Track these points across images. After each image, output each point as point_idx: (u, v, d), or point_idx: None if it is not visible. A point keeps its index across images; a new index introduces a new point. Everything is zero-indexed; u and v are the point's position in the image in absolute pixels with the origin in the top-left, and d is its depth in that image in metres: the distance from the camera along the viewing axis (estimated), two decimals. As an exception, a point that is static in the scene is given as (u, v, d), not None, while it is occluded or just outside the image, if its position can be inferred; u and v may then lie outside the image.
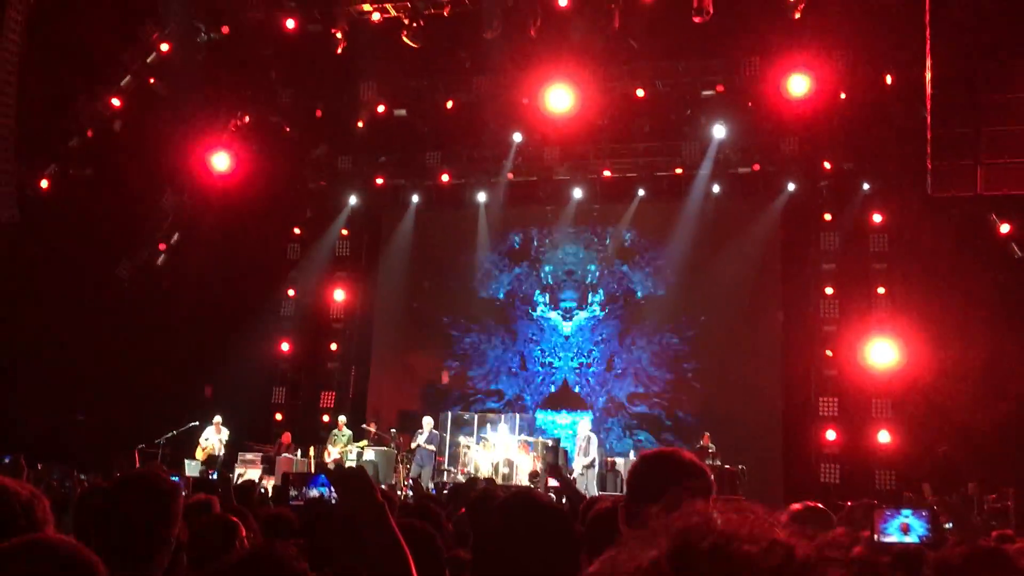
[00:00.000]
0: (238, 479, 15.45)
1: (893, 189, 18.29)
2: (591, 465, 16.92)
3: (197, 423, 17.93)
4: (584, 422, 18.28)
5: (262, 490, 12.24)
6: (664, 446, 15.49)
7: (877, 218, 18.88)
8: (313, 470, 16.49)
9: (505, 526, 2.57)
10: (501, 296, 22.05)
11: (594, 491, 16.04)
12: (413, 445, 17.91)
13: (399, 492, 15.45)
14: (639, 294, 21.12)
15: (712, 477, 2.44)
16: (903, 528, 4.95)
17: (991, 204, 15.98)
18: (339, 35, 17.87)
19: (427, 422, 17.94)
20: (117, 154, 17.94)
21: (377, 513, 2.43)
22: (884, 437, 17.58)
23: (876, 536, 4.88)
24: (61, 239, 17.59)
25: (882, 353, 17.84)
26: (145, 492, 2.97)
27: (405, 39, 17.59)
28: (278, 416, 21.21)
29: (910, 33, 14.44)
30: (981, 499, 14.75)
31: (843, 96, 17.59)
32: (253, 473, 17.01)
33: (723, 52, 17.91)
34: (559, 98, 18.13)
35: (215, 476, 15.92)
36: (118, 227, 19.09)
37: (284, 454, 17.88)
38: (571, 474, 16.14)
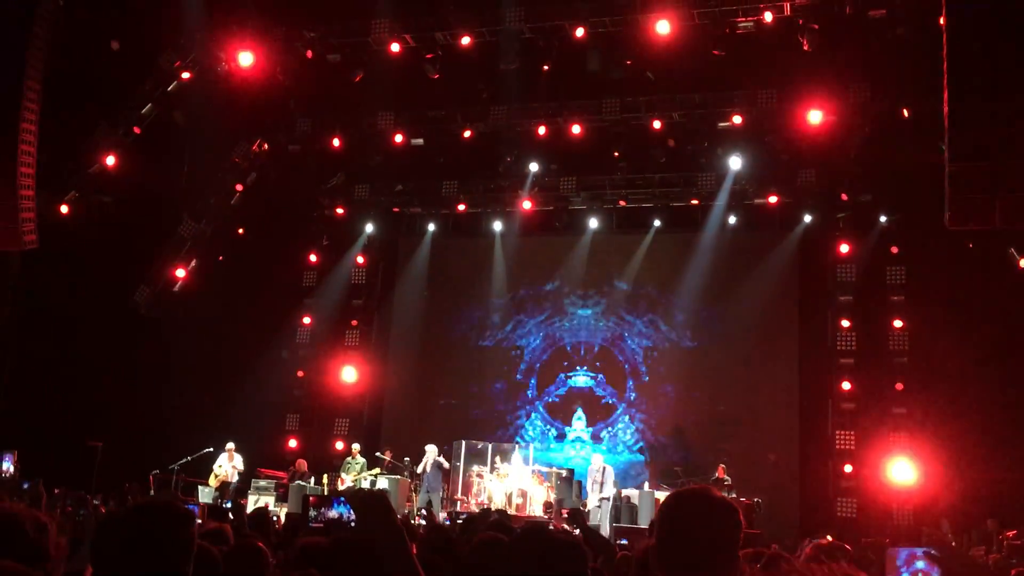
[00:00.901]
0: (253, 505, 15.40)
1: (911, 221, 18.19)
2: (607, 498, 16.75)
3: (211, 449, 17.91)
4: (597, 456, 18.08)
5: (274, 518, 12.20)
6: (688, 481, 15.24)
7: (894, 250, 18.78)
8: (326, 498, 16.38)
9: (518, 561, 2.54)
10: (516, 334, 22.01)
11: (606, 524, 15.91)
12: (418, 470, 17.83)
13: (413, 522, 15.36)
14: (656, 326, 21.00)
15: (741, 515, 2.41)
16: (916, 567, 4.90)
17: (1009, 238, 15.88)
18: (357, 65, 18.02)
19: (430, 450, 17.80)
20: (136, 181, 18.07)
21: (396, 537, 2.40)
22: (902, 472, 17.35)
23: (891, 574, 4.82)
24: (80, 265, 17.71)
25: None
26: (161, 520, 2.97)
27: (423, 69, 17.73)
28: (292, 443, 21.16)
29: (927, 67, 14.43)
30: (1000, 535, 14.57)
31: (862, 129, 17.55)
32: (267, 500, 16.96)
33: (740, 84, 17.94)
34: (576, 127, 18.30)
35: (228, 504, 15.86)
36: (136, 253, 19.21)
37: (298, 481, 17.79)
38: (585, 507, 16.01)
